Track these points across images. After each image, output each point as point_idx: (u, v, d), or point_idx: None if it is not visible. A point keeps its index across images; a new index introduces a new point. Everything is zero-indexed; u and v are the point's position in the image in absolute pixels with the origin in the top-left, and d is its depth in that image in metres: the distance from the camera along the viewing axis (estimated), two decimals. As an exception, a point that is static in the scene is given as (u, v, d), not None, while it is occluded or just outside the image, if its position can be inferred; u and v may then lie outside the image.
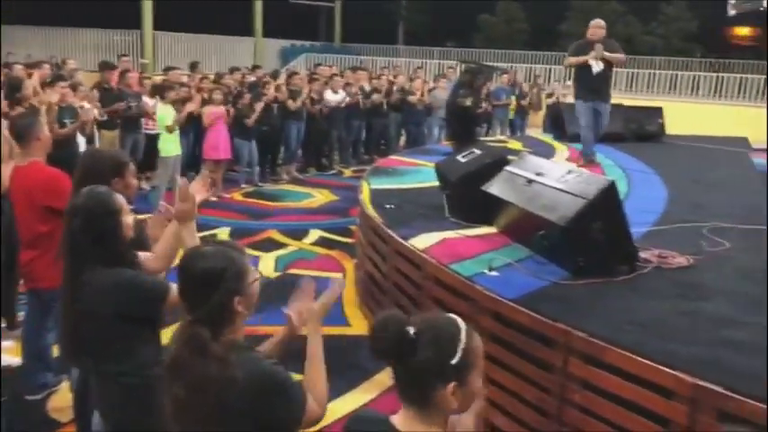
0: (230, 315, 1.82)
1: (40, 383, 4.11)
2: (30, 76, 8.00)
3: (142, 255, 2.74)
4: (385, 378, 4.44)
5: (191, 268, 1.82)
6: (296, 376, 1.90)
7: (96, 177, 2.79)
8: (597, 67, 7.44)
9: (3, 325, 4.73)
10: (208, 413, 1.73)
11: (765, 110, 12.26)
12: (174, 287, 2.40)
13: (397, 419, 1.59)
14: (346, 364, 4.61)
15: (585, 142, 7.81)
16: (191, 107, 8.68)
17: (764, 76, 18.58)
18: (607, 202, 3.96)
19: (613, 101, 8.14)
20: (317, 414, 1.92)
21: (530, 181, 4.49)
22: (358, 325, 5.31)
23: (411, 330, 1.53)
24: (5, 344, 4.56)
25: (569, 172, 4.35)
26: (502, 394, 3.50)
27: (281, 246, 7.19)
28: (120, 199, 2.48)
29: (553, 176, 4.36)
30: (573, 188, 4.09)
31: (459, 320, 1.60)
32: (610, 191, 3.97)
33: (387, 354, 1.57)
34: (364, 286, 5.59)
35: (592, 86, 7.62)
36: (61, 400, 4.02)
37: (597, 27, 7.64)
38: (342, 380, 4.34)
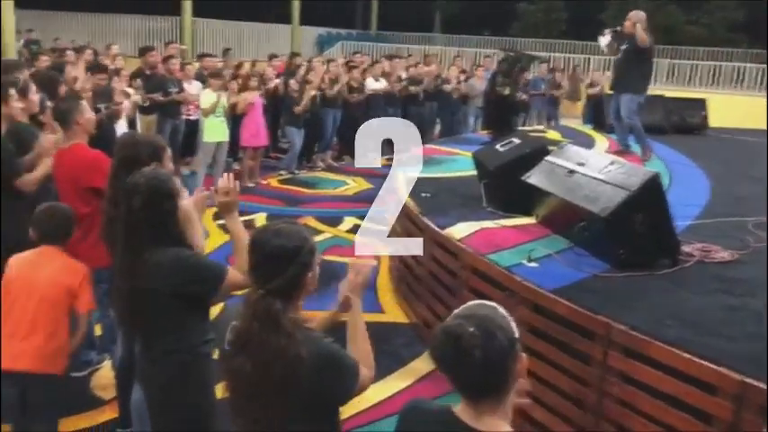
0: (300, 290, 1.93)
1: (84, 361, 4.21)
2: (77, 61, 8.18)
3: None
4: (420, 366, 4.46)
5: (268, 243, 1.89)
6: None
7: (134, 162, 2.83)
8: (607, 48, 7.54)
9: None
10: (272, 388, 1.82)
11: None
12: (230, 271, 2.43)
13: (465, 414, 1.57)
14: (381, 351, 4.57)
15: (615, 131, 7.90)
16: (235, 98, 8.78)
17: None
18: (650, 195, 3.90)
19: (655, 92, 7.96)
20: (369, 380, 2.06)
21: (571, 171, 4.43)
22: (392, 312, 5.33)
23: (472, 329, 1.51)
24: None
25: (612, 163, 4.28)
26: (539, 386, 3.47)
27: (316, 232, 7.22)
28: (177, 182, 2.52)
29: (595, 167, 4.30)
30: (615, 179, 4.03)
31: (494, 304, 1.62)
32: (653, 183, 3.91)
33: (456, 360, 1.51)
34: (399, 274, 5.60)
35: (614, 76, 7.70)
36: (104, 377, 4.13)
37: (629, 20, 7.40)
38: (377, 367, 4.33)
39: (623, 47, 7.39)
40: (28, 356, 2.96)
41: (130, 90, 7.00)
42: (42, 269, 3.03)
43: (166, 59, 8.70)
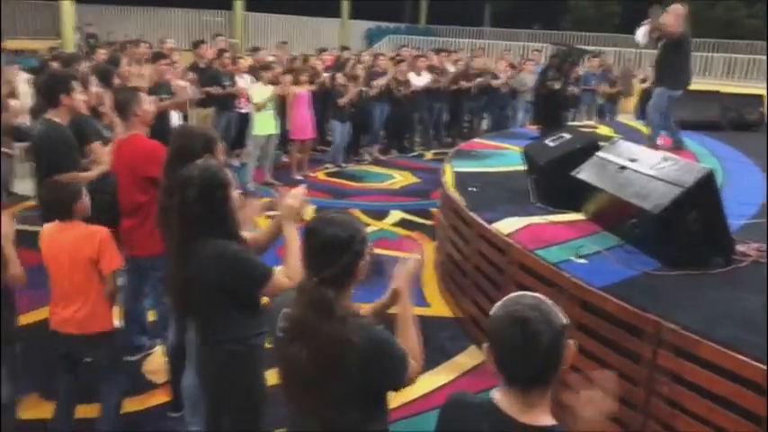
0: (353, 278, 1.96)
1: (137, 345, 4.34)
2: (131, 54, 8.40)
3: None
4: (465, 360, 4.46)
5: (322, 233, 1.93)
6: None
7: (188, 153, 2.89)
8: (643, 39, 7.27)
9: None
10: (325, 374, 1.85)
11: None
12: (277, 274, 2.48)
13: (508, 405, 1.58)
14: (426, 345, 4.55)
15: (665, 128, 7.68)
16: (279, 89, 8.87)
17: None
18: (704, 192, 3.81)
19: (711, 87, 7.71)
20: (417, 371, 2.07)
21: (622, 167, 4.36)
22: (437, 306, 5.34)
23: (536, 314, 1.52)
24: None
25: (665, 159, 4.20)
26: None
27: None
28: (230, 174, 2.57)
29: (647, 163, 4.22)
30: (668, 176, 3.95)
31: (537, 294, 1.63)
32: (707, 179, 3.82)
33: (524, 343, 1.52)
34: (444, 268, 5.60)
35: (654, 70, 7.52)
36: (155, 362, 4.25)
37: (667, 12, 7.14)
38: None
39: (661, 41, 7.19)
40: (70, 321, 3.15)
41: (184, 83, 7.14)
42: (63, 241, 3.14)
43: (219, 53, 8.84)
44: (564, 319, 1.57)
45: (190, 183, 2.44)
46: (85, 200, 3.24)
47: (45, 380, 3.34)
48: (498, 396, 1.61)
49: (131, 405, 3.83)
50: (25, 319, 3.24)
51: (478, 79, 11.92)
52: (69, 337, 3.17)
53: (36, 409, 3.61)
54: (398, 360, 1.97)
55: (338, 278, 1.91)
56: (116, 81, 5.96)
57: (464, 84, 11.70)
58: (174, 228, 2.55)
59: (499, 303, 1.62)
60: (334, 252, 1.90)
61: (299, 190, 2.70)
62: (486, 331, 1.61)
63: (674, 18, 6.97)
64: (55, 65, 6.61)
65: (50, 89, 4.20)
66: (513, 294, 1.65)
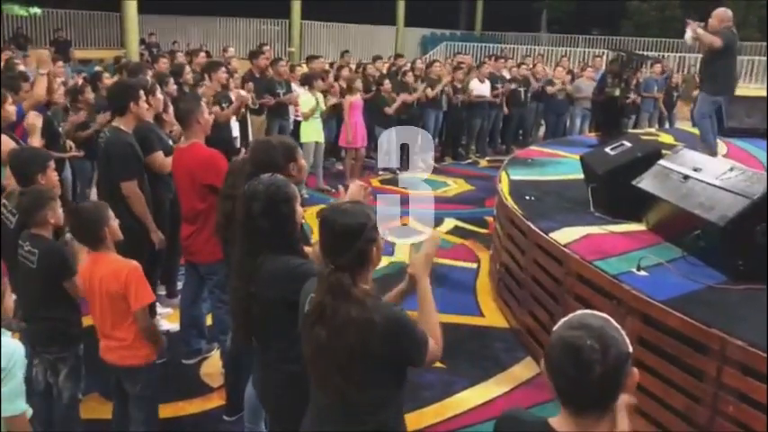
0: (368, 262, 2.06)
1: (195, 349, 4.42)
2: (190, 62, 8.60)
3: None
4: (520, 372, 4.39)
5: (335, 222, 2.03)
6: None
7: (272, 165, 2.89)
8: (690, 41, 7.04)
9: (162, 293, 5.13)
10: (348, 354, 1.96)
11: None
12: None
13: (563, 426, 1.55)
14: (481, 355, 4.60)
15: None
16: (332, 100, 8.97)
17: None
18: (774, 203, 3.66)
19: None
20: (437, 353, 2.13)
21: (686, 177, 4.23)
22: (492, 316, 5.27)
23: (590, 342, 1.48)
24: (165, 311, 4.96)
25: (731, 169, 4.06)
26: (647, 400, 3.34)
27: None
28: (294, 188, 2.58)
29: (712, 173, 4.09)
30: (735, 186, 3.82)
31: (606, 315, 1.58)
32: (778, 191, 3.66)
33: (576, 372, 1.48)
34: (500, 278, 5.53)
35: None
36: (212, 366, 4.32)
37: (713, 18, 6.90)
38: (476, 369, 4.34)
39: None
40: (111, 351, 3.14)
41: (243, 92, 7.27)
42: (95, 275, 3.06)
43: (274, 62, 8.98)
44: (628, 348, 1.52)
45: (255, 197, 2.46)
46: (113, 224, 3.10)
47: (106, 381, 3.43)
48: (556, 417, 1.57)
49: (189, 407, 3.93)
50: (88, 320, 3.32)
51: (535, 84, 11.79)
52: (113, 367, 3.17)
53: (97, 409, 3.72)
54: (417, 337, 2.04)
55: (353, 264, 2.01)
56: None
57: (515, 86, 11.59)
58: (237, 240, 2.57)
59: (561, 322, 1.57)
60: (348, 240, 2.00)
61: (359, 182, 2.75)
62: (545, 349, 1.58)
63: (717, 22, 6.76)
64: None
65: (119, 97, 4.32)
66: (578, 313, 1.60)
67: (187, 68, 7.42)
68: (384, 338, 1.96)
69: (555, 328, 1.57)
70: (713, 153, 6.90)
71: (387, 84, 9.97)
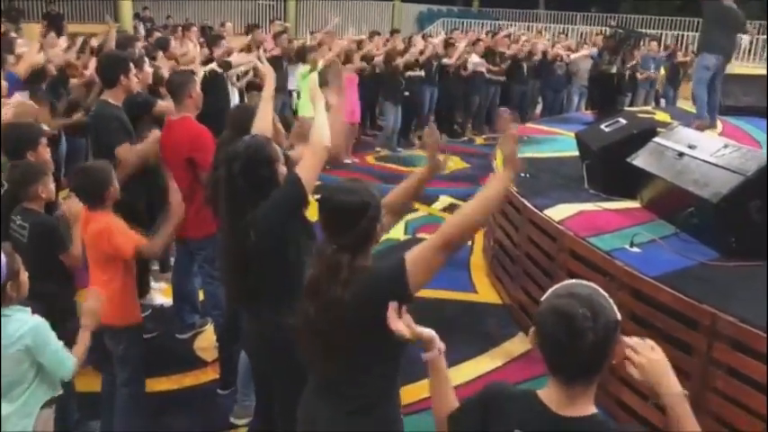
0: (370, 240, 2.02)
1: (188, 324, 4.44)
2: (184, 37, 8.52)
3: None
4: (513, 347, 4.42)
5: (339, 201, 1.99)
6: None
7: (243, 128, 2.94)
8: None
9: (155, 267, 5.13)
10: (333, 328, 1.95)
11: None
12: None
13: (551, 398, 1.55)
14: (474, 331, 4.63)
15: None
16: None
17: None
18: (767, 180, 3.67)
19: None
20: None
21: (680, 154, 4.23)
22: (485, 292, 5.30)
23: (583, 310, 1.48)
24: (159, 285, 4.96)
25: (725, 146, 4.05)
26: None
27: (411, 210, 7.24)
28: (276, 148, 2.57)
29: (707, 150, 4.09)
30: (729, 163, 3.82)
31: (593, 284, 1.58)
32: (771, 168, 3.67)
33: (569, 340, 1.47)
34: (493, 254, 5.54)
35: None
36: (206, 340, 4.34)
37: None
38: (469, 346, 4.36)
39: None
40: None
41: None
42: (86, 234, 3.11)
43: (276, 36, 8.89)
44: (616, 316, 1.52)
45: (236, 157, 2.47)
46: (116, 186, 3.15)
47: (102, 354, 3.43)
48: (543, 389, 1.58)
49: (184, 380, 3.95)
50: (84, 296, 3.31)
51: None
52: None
53: (92, 383, 3.72)
54: (394, 278, 1.92)
55: (356, 243, 1.97)
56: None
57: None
58: (221, 201, 2.57)
59: (550, 291, 1.57)
60: (351, 218, 1.95)
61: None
62: (534, 318, 1.58)
63: None
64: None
65: (109, 70, 4.27)
66: (566, 283, 1.60)
67: (174, 43, 7.35)
68: (358, 308, 1.91)
69: (543, 297, 1.58)
70: (704, 126, 6.93)
71: (399, 60, 9.86)
